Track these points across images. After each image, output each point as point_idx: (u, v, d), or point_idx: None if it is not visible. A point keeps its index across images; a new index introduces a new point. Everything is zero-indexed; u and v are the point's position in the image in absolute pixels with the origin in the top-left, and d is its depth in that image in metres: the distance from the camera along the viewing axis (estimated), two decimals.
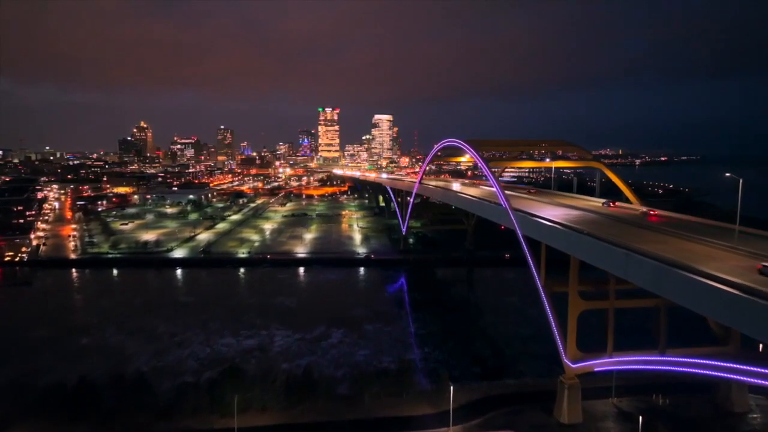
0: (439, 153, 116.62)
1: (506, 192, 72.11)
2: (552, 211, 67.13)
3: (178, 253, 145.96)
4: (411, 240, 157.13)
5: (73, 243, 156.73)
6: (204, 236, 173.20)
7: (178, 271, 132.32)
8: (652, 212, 64.34)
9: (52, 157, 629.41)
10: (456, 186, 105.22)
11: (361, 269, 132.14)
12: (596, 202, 75.82)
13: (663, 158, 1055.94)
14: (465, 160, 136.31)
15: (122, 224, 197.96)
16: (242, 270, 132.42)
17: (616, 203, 73.21)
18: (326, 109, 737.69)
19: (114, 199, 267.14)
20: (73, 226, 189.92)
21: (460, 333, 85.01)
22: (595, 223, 57.10)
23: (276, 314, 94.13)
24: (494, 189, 75.39)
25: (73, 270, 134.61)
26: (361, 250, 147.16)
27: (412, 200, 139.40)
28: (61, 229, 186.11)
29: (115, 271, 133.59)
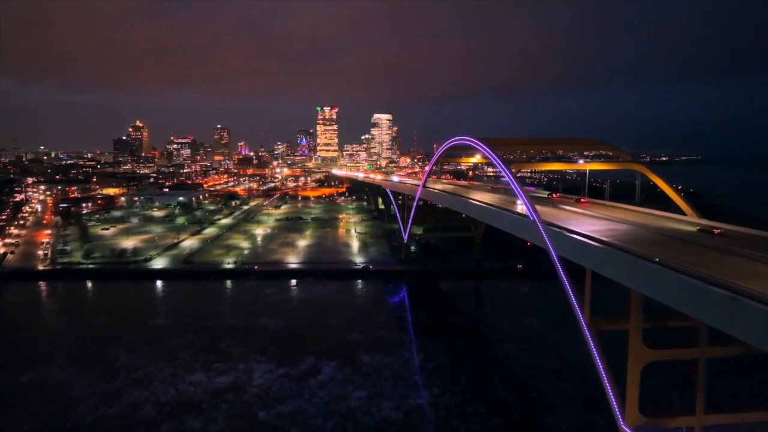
0: (444, 153, 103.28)
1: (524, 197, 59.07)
2: (590, 225, 54.14)
3: (158, 263, 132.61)
4: (413, 247, 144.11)
5: (43, 251, 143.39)
6: (189, 243, 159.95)
7: (155, 284, 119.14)
8: (582, 199, 69.43)
9: (45, 157, 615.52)
10: (515, 201, 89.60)
11: (359, 282, 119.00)
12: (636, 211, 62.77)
13: (664, 158, 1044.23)
14: (475, 160, 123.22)
15: (103, 229, 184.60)
16: (227, 283, 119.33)
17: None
18: (324, 108, 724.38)
19: (99, 201, 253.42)
20: (49, 231, 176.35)
21: (474, 366, 71.90)
22: (651, 243, 44.13)
23: (258, 340, 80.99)
24: (512, 195, 62.38)
25: (41, 283, 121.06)
26: (359, 260, 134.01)
27: (414, 207, 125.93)
28: (38, 234, 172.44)
29: (87, 284, 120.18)
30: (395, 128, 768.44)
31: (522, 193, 60.03)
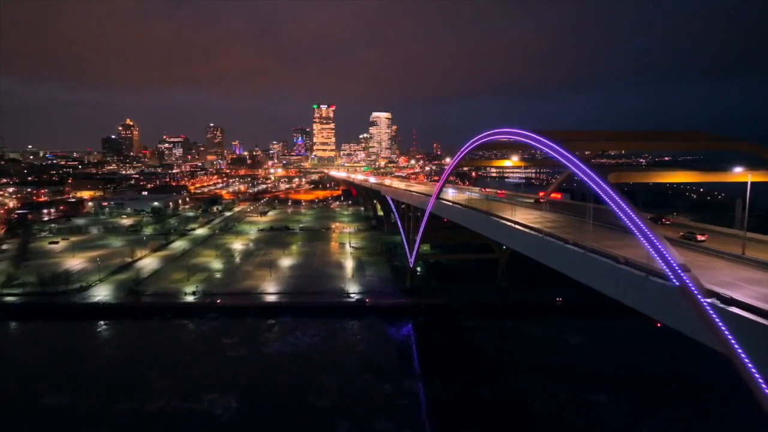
0: (479, 153, 74.88)
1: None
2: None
3: (98, 293, 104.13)
4: (419, 269, 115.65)
5: None
6: (147, 262, 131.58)
7: (86, 326, 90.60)
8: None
9: (32, 156, 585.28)
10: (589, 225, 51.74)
11: (352, 323, 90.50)
12: None
13: (666, 158, 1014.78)
14: (510, 163, 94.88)
15: (52, 243, 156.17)
16: (178, 323, 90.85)
17: None
18: (321, 106, 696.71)
19: (62, 207, 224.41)
20: None
21: None
22: None
23: None
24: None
25: None
26: (353, 288, 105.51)
27: (423, 226, 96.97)
28: None
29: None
30: (394, 127, 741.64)
31: (646, 226, 31.45)
